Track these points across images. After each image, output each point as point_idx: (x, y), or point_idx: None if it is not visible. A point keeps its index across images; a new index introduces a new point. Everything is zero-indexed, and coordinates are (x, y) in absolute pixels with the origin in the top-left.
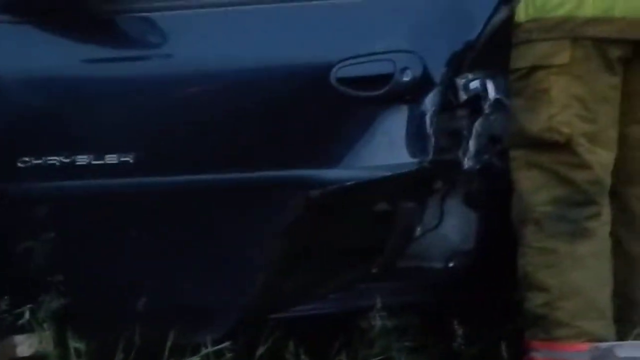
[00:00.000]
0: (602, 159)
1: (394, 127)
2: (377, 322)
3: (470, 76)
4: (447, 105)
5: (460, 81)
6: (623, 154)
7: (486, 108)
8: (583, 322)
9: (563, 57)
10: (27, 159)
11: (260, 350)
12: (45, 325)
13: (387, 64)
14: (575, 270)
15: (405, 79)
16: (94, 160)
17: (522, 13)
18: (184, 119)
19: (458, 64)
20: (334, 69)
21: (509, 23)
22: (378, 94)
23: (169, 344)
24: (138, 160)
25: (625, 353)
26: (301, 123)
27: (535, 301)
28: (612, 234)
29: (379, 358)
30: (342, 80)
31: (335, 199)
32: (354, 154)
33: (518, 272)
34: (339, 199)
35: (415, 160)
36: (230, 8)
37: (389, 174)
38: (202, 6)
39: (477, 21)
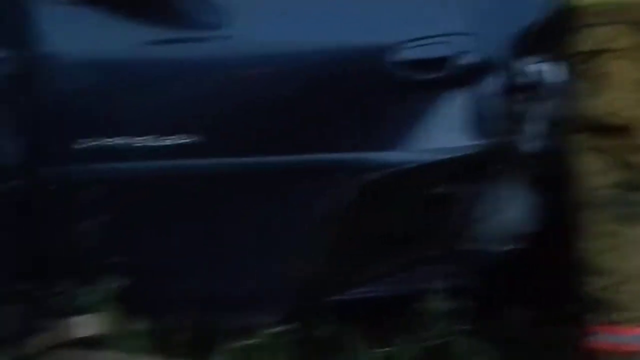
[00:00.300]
0: None
1: (451, 110)
2: (436, 305)
3: (529, 59)
4: (505, 89)
5: (520, 64)
6: None
7: (545, 91)
8: None
9: (624, 41)
10: (86, 140)
11: (318, 333)
12: (105, 306)
13: (445, 46)
14: (636, 254)
15: (464, 61)
16: (153, 142)
17: None
18: (242, 101)
19: (517, 47)
20: (393, 52)
21: (570, 7)
22: (436, 76)
23: (228, 326)
24: (198, 142)
25: None
26: (359, 106)
27: (595, 285)
28: None
29: (437, 341)
30: (400, 63)
31: (393, 182)
32: (412, 136)
33: (578, 255)
34: (397, 182)
35: (473, 143)
36: None
37: (446, 156)
38: None
39: (537, 4)
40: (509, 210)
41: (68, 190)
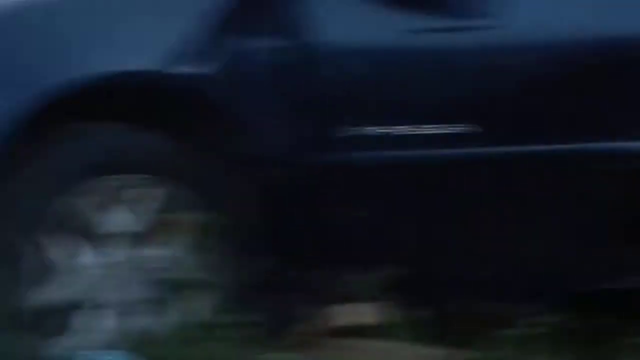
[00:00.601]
0: None
1: None
2: None
3: None
4: None
5: None
6: None
7: None
8: None
9: None
10: (360, 128)
11: (590, 322)
12: (378, 294)
13: None
14: None
15: None
16: (430, 129)
17: None
18: (513, 90)
19: None
20: None
21: None
22: None
23: (502, 314)
24: (468, 131)
25: None
26: (630, 94)
27: None
28: None
29: None
30: None
31: None
32: None
33: None
34: None
35: None
36: None
37: None
38: None
39: None
40: None
41: (337, 178)
